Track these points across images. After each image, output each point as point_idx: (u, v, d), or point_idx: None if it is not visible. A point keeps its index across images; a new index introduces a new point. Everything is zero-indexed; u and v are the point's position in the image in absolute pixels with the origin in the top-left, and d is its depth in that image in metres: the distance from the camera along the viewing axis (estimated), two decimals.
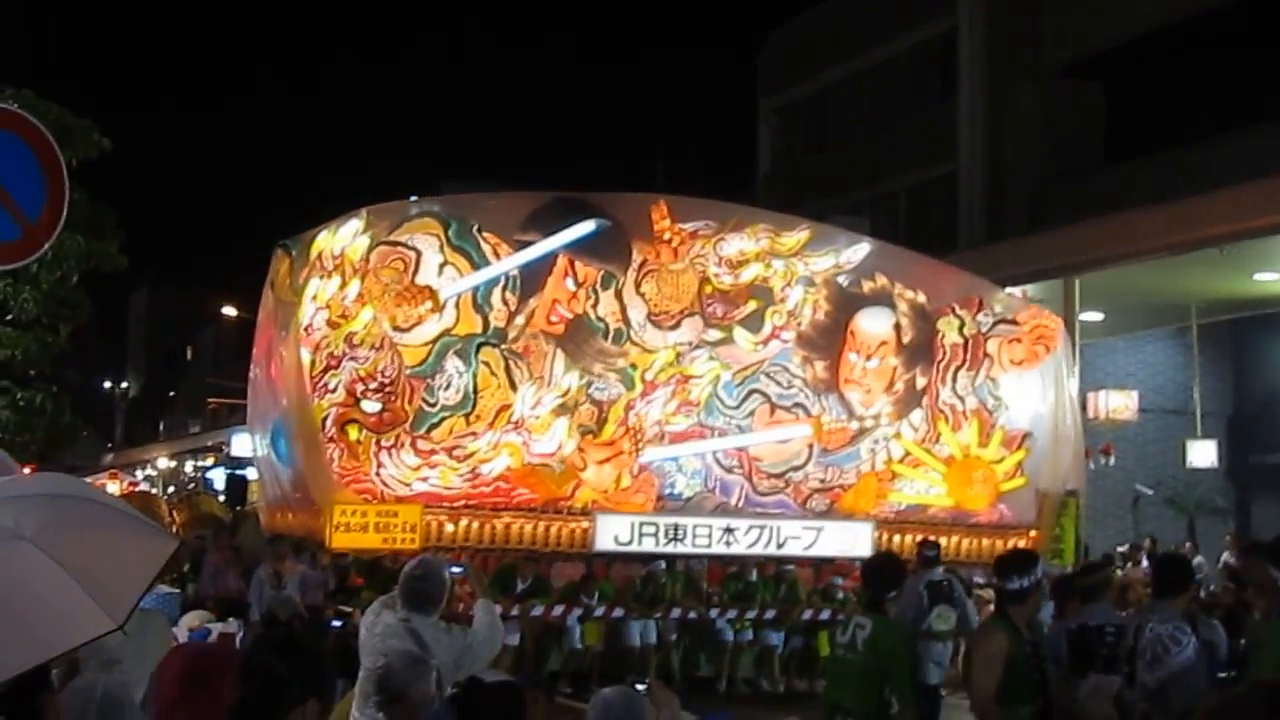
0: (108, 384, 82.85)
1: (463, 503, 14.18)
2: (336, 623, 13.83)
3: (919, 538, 15.02)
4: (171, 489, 42.37)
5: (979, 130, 28.54)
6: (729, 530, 15.23)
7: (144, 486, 40.16)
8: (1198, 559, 21.27)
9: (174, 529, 21.51)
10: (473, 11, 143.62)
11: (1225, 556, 21.48)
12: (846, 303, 16.11)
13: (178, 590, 15.27)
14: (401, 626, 6.59)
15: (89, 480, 22.50)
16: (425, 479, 14.04)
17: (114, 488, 34.70)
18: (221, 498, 30.05)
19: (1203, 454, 24.08)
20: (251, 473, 31.83)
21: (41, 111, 13.52)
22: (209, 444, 44.57)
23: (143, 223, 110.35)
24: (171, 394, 78.60)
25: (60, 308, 17.82)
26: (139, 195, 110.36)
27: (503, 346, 14.55)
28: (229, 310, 50.88)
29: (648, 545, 14.93)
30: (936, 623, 12.53)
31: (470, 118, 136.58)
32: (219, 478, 37.66)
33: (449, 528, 14.00)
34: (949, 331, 16.43)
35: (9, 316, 17.29)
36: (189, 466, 49.25)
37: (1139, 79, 25.14)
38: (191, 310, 69.68)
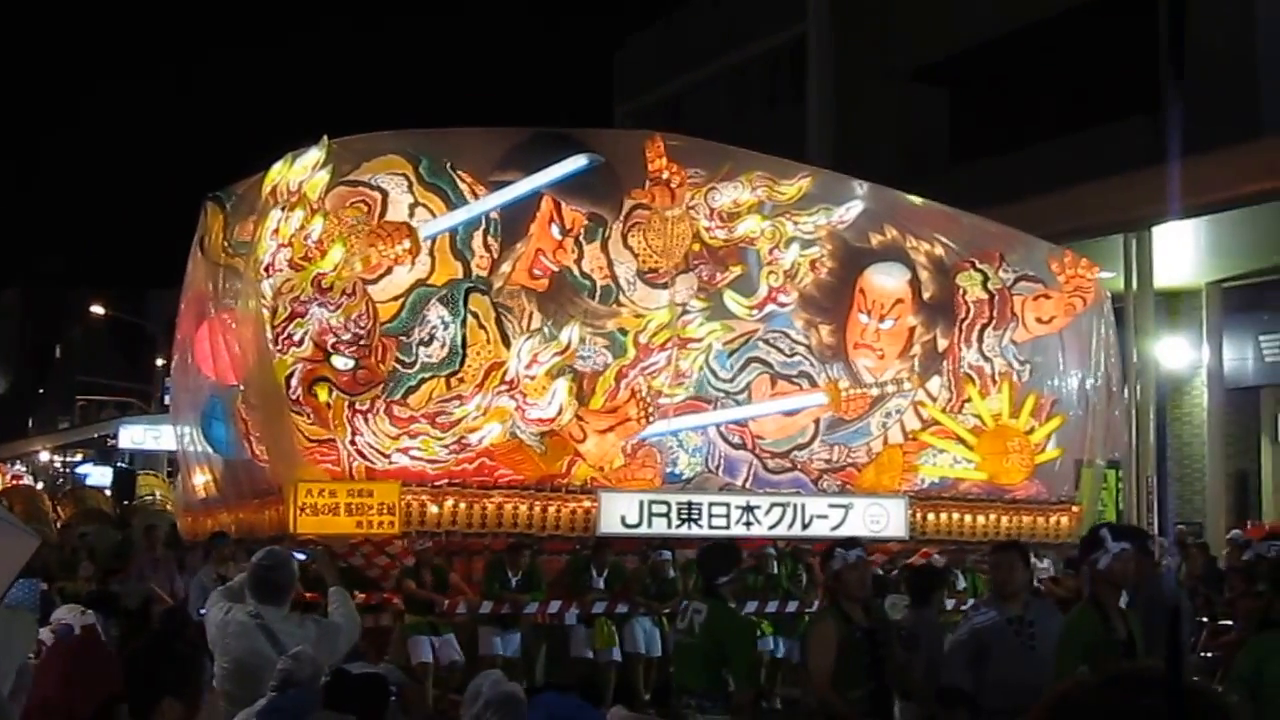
0: None
1: (445, 480, 12.31)
2: None
3: (955, 515, 13.46)
4: (41, 484, 40.00)
5: (828, 134, 29.02)
6: (749, 509, 13.42)
7: (27, 480, 38.23)
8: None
9: (58, 524, 21.11)
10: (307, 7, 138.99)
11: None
12: (853, 258, 14.67)
13: (44, 584, 13.55)
14: (253, 624, 6.36)
15: None
16: (406, 450, 12.18)
17: None
18: (108, 492, 28.88)
19: None
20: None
21: None
22: (94, 435, 42.37)
23: (12, 220, 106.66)
24: (40, 391, 76.85)
25: None
26: (7, 192, 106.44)
27: (491, 295, 12.77)
28: (97, 309, 51.42)
29: (658, 527, 13.00)
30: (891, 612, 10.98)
31: (321, 116, 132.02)
32: (92, 472, 36.41)
33: (432, 509, 12.13)
34: (971, 287, 15.03)
35: None
36: (58, 462, 47.63)
37: (981, 84, 25.80)
38: (61, 308, 69.48)
